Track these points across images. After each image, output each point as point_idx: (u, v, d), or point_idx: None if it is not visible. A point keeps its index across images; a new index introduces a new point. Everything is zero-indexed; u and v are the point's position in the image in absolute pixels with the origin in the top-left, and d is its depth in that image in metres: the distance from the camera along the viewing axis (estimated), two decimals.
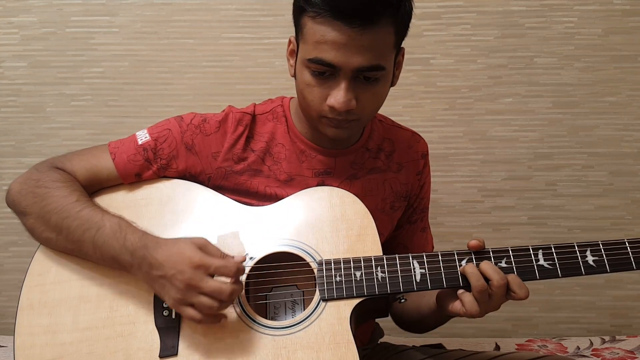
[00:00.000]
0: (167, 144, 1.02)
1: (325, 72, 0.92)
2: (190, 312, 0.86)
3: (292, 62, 1.02)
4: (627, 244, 0.91)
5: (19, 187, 0.98)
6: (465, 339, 1.55)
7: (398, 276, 0.92)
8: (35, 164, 1.02)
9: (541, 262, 0.91)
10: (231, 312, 0.92)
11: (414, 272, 0.92)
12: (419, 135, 1.18)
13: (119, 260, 0.91)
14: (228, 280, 0.86)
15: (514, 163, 1.69)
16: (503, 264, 0.91)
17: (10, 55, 1.66)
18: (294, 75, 1.00)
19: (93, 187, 1.01)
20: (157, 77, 1.66)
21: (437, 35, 1.65)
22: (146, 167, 1.02)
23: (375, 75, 0.93)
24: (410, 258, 0.93)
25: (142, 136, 1.03)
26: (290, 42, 1.02)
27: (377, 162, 1.10)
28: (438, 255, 0.93)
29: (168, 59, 1.66)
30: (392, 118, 1.67)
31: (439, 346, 1.19)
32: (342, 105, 0.91)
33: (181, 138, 1.02)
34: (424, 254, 0.93)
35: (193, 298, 0.85)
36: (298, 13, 0.95)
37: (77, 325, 0.92)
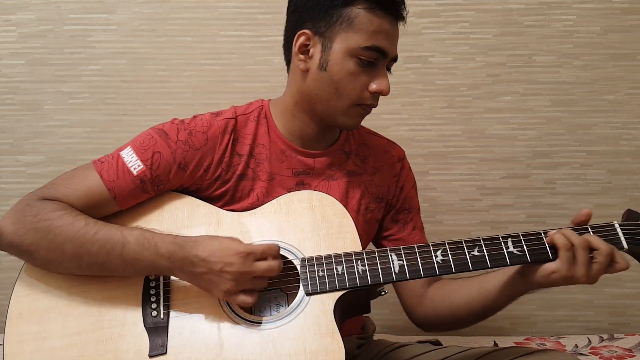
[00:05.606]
0: (161, 169, 1.01)
1: (373, 60, 1.00)
2: (242, 297, 0.91)
3: (303, 56, 1.03)
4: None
5: (13, 228, 0.93)
6: (464, 337, 1.55)
7: (378, 268, 0.96)
8: (18, 202, 0.96)
9: (511, 249, 0.95)
10: (218, 309, 0.94)
11: (392, 264, 0.96)
12: (395, 143, 1.22)
13: (156, 268, 0.93)
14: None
15: (513, 161, 1.69)
16: (475, 253, 0.95)
17: (8, 53, 1.65)
18: (320, 68, 1.01)
19: (90, 214, 0.97)
20: (155, 74, 1.66)
21: (436, 33, 1.65)
22: (144, 195, 1.02)
23: (392, 66, 1.06)
24: (389, 251, 0.97)
25: (134, 163, 0.99)
26: (301, 35, 1.02)
27: (353, 165, 1.14)
28: (414, 247, 0.97)
29: (166, 57, 1.66)
30: (391, 116, 1.68)
31: (436, 342, 1.19)
32: (388, 89, 1.01)
33: (173, 159, 1.01)
34: (401, 247, 0.98)
35: (246, 284, 0.91)
36: (340, 4, 0.99)
37: (67, 331, 0.92)
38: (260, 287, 0.92)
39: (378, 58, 1.00)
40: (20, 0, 1.64)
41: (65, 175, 1.01)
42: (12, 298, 0.95)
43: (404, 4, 1.02)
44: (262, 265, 0.90)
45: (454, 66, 1.66)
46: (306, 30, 1.02)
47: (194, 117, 1.07)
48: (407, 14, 1.03)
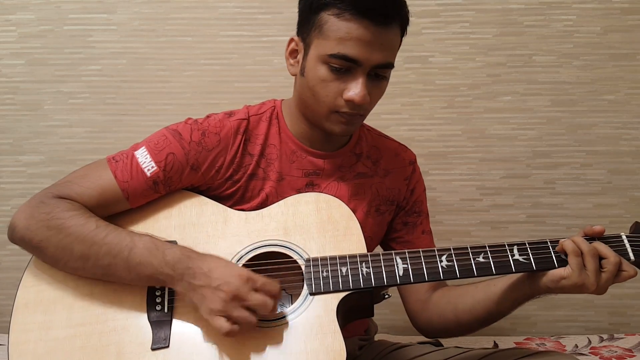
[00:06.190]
0: (174, 170, 1.01)
1: (344, 67, 0.96)
2: (222, 323, 0.86)
3: (292, 61, 1.04)
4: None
5: (25, 223, 0.95)
6: (464, 337, 1.54)
7: (382, 271, 0.96)
8: (33, 197, 0.98)
9: (516, 256, 0.95)
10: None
11: (397, 267, 0.96)
12: (406, 146, 1.22)
13: (158, 276, 0.92)
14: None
15: (513, 161, 1.69)
16: (481, 259, 0.95)
17: (8, 53, 1.65)
18: (300, 73, 1.02)
19: (101, 212, 0.98)
20: (155, 74, 1.66)
21: (436, 33, 1.65)
22: (155, 194, 1.02)
23: (385, 73, 1.00)
24: (393, 254, 0.97)
25: (148, 164, 1.00)
26: (291, 41, 1.04)
27: (363, 167, 1.13)
28: (419, 251, 0.97)
29: (166, 57, 1.65)
30: (391, 116, 1.68)
31: (436, 343, 1.20)
32: (362, 98, 0.96)
33: (186, 160, 1.02)
34: (406, 251, 0.98)
35: (234, 310, 0.86)
36: (314, 10, 0.98)
37: (71, 322, 0.93)
38: (246, 322, 0.87)
39: (351, 66, 0.96)
40: (20, 0, 1.64)
41: (79, 173, 1.01)
42: (20, 288, 0.96)
43: (391, 7, 0.96)
44: (258, 297, 0.87)
45: (454, 66, 1.66)
46: (294, 37, 1.04)
47: (208, 117, 1.07)
48: (397, 17, 0.97)
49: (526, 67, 1.66)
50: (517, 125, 1.68)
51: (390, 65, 0.99)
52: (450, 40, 1.65)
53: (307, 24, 1.00)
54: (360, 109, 0.99)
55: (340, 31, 0.94)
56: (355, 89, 0.96)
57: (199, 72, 1.66)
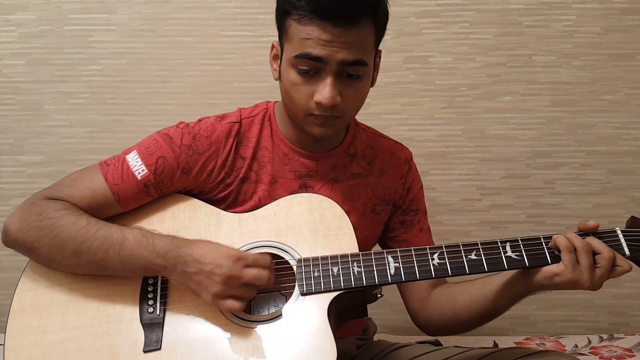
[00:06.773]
0: (165, 174, 1.02)
1: (311, 69, 0.95)
2: (230, 303, 0.89)
3: (275, 66, 1.05)
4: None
5: (18, 226, 0.96)
6: (464, 336, 1.54)
7: (373, 270, 0.96)
8: (25, 201, 0.99)
9: (509, 253, 0.95)
10: (214, 307, 0.94)
11: (388, 266, 0.96)
12: (402, 145, 1.21)
13: (151, 267, 0.93)
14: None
15: (513, 161, 1.69)
16: (473, 256, 0.95)
17: (8, 53, 1.65)
18: (279, 78, 1.04)
19: (94, 215, 0.99)
20: (155, 75, 1.66)
21: (436, 33, 1.65)
22: (147, 198, 1.03)
23: (358, 72, 0.97)
24: (385, 253, 0.97)
25: (138, 167, 1.01)
26: (273, 46, 1.06)
27: (358, 167, 1.13)
28: (411, 250, 0.97)
29: (166, 57, 1.65)
30: (391, 116, 1.68)
31: (436, 343, 1.19)
32: (329, 100, 0.95)
33: (177, 164, 1.03)
34: (397, 249, 0.98)
35: (233, 289, 0.90)
36: (282, 16, 0.99)
37: (65, 326, 0.94)
38: (248, 295, 0.91)
39: (317, 66, 0.94)
40: (20, 0, 1.64)
41: (71, 177, 1.03)
42: (16, 293, 0.97)
43: (356, 6, 0.92)
44: (252, 272, 0.90)
45: (454, 66, 1.66)
46: (274, 42, 1.05)
47: (199, 120, 1.08)
48: (364, 14, 0.94)
49: (526, 67, 1.66)
50: (517, 125, 1.68)
51: (361, 63, 0.95)
52: (450, 40, 1.65)
53: (280, 30, 1.01)
54: (333, 110, 0.97)
55: (302, 33, 0.95)
56: (322, 91, 0.95)
57: (199, 72, 1.66)
